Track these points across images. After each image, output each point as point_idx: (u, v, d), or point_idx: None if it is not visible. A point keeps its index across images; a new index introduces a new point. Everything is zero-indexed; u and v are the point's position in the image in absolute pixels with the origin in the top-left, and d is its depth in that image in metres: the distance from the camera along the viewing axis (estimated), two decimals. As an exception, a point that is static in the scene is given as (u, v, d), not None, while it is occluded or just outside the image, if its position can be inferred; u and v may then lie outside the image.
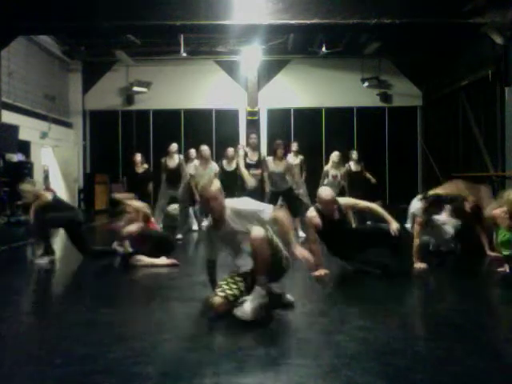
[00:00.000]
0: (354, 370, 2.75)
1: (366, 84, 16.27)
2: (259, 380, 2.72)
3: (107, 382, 2.66)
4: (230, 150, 9.95)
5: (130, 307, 4.38)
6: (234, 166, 9.71)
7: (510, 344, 3.30)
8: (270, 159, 8.80)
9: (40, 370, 2.86)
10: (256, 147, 10.10)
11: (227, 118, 16.91)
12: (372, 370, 2.76)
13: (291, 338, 3.36)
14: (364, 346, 3.12)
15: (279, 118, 16.81)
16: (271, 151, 9.27)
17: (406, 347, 3.13)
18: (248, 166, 9.38)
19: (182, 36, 14.34)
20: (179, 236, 8.56)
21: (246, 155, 9.75)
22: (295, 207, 8.62)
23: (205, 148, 9.45)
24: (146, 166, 10.57)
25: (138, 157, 10.41)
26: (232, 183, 9.21)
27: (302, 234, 8.52)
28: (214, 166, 9.34)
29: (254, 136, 10.20)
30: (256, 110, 16.93)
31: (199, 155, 9.56)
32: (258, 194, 8.42)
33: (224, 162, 9.84)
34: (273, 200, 8.53)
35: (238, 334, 3.46)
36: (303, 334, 3.43)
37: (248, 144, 10.74)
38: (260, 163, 9.15)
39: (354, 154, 10.81)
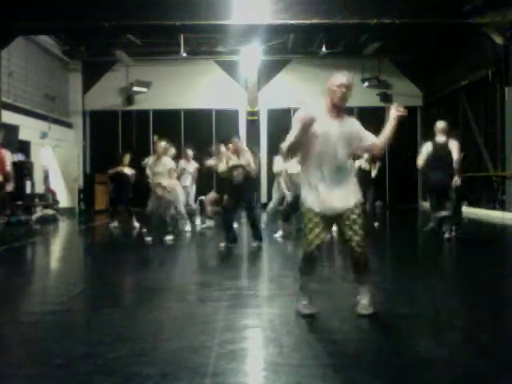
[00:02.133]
0: (354, 370, 2.75)
1: (366, 84, 16.27)
2: (259, 380, 2.72)
3: (107, 382, 2.66)
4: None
5: (130, 307, 4.38)
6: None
7: (511, 344, 3.30)
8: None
9: (40, 369, 2.86)
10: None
11: (227, 118, 16.91)
12: (372, 370, 2.76)
13: (291, 337, 3.36)
14: (364, 346, 3.12)
15: (279, 118, 16.78)
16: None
17: (406, 347, 3.13)
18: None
19: (181, 36, 14.34)
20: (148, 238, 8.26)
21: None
22: None
23: (161, 144, 8.58)
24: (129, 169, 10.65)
25: (126, 159, 10.69)
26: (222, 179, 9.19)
27: None
28: (168, 162, 8.48)
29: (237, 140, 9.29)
30: (256, 110, 16.92)
31: (155, 151, 8.65)
32: (246, 189, 7.60)
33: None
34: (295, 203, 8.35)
35: (238, 333, 3.46)
36: (303, 334, 3.43)
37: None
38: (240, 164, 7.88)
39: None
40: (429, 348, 3.11)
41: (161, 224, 8.42)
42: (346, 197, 3.78)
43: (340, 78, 3.72)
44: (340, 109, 3.75)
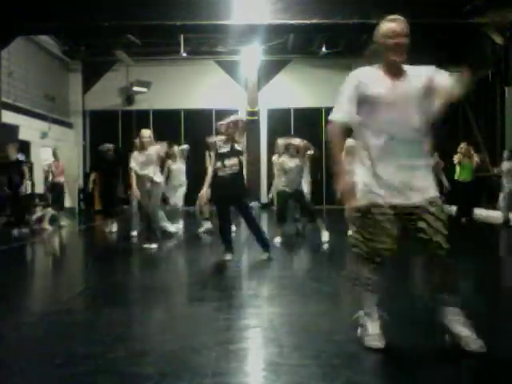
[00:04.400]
0: (354, 370, 2.75)
1: (366, 84, 16.27)
2: (259, 380, 2.72)
3: (107, 382, 2.66)
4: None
5: (130, 307, 4.37)
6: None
7: (510, 345, 3.30)
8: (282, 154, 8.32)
9: (40, 370, 2.86)
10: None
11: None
12: (372, 370, 2.76)
13: (291, 337, 3.36)
14: (364, 346, 3.11)
15: (279, 118, 16.80)
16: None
17: (406, 347, 3.13)
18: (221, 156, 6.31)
19: (182, 36, 14.34)
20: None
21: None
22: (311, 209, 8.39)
23: (145, 133, 7.86)
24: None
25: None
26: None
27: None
28: (156, 150, 7.76)
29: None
30: (256, 110, 16.92)
31: (139, 143, 7.93)
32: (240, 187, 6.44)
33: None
34: (284, 203, 8.19)
35: (238, 334, 3.46)
36: (303, 334, 3.43)
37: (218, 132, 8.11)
38: (234, 151, 6.30)
39: None
40: (429, 348, 3.11)
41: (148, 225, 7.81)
42: (421, 183, 2.90)
43: (389, 24, 2.92)
44: (400, 65, 2.94)
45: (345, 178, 2.93)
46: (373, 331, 3.03)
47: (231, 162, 6.12)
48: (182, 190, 10.21)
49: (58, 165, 11.42)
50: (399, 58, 2.90)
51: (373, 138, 2.93)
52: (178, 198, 10.05)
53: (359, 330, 3.14)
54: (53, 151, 11.66)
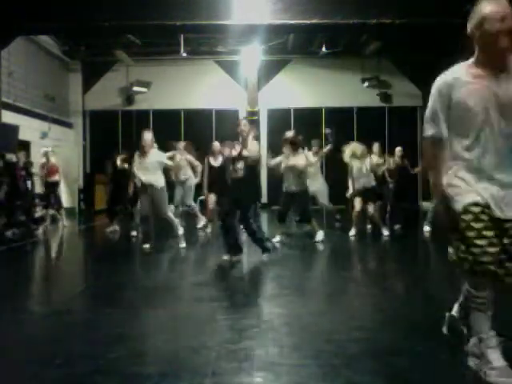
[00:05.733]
0: (354, 370, 2.75)
1: (366, 84, 16.26)
2: (259, 380, 2.72)
3: (107, 382, 2.66)
4: (216, 145, 9.81)
5: (130, 307, 4.38)
6: (219, 161, 9.52)
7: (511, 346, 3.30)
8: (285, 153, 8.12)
9: (40, 370, 2.86)
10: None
11: (227, 118, 16.90)
12: (372, 370, 2.76)
13: (291, 337, 3.36)
14: (364, 346, 3.12)
15: (279, 118, 16.79)
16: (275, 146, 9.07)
17: (406, 347, 3.13)
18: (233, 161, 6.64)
19: (182, 36, 14.34)
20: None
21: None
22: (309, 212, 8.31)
23: (146, 137, 7.55)
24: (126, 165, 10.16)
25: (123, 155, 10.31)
26: (217, 178, 9.12)
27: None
28: (157, 155, 7.65)
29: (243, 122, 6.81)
30: (256, 110, 16.92)
31: (141, 145, 7.63)
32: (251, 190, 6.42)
33: (210, 157, 9.69)
34: (287, 203, 8.15)
35: (239, 334, 3.46)
36: (303, 334, 3.43)
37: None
38: (241, 156, 6.46)
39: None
40: (429, 348, 3.11)
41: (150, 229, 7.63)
42: None
43: (492, 7, 2.48)
44: (502, 56, 2.49)
45: (441, 197, 2.62)
46: (498, 363, 2.52)
47: (239, 165, 6.32)
48: (190, 187, 10.00)
49: (49, 166, 11.33)
50: (505, 46, 2.43)
51: (465, 149, 2.57)
52: (188, 198, 10.00)
53: (473, 362, 2.67)
54: (44, 153, 11.51)
